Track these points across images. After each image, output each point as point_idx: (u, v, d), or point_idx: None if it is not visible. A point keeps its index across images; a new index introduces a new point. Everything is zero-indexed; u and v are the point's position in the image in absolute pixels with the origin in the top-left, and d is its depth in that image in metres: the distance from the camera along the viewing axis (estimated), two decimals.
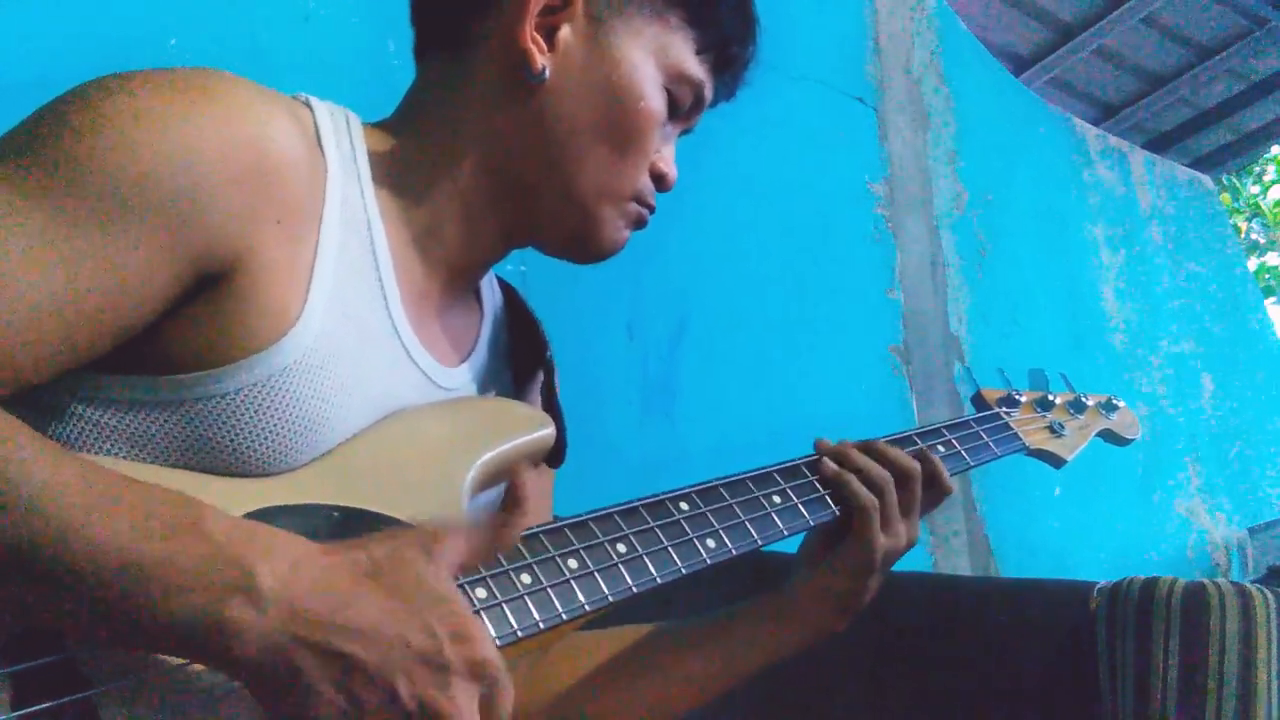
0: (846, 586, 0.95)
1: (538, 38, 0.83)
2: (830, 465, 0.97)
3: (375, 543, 0.63)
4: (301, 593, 0.58)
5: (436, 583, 0.62)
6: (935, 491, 1.00)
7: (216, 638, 0.56)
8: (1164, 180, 4.15)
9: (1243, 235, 8.94)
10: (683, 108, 0.90)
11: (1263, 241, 9.39)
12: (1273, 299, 8.88)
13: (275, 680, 0.57)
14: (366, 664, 0.57)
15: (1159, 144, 5.16)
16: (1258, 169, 9.04)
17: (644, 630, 0.98)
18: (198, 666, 0.61)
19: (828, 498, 0.96)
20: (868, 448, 0.99)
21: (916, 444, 1.05)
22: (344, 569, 0.60)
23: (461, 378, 0.89)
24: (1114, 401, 1.37)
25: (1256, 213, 9.23)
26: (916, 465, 0.97)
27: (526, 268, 1.03)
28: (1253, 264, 8.73)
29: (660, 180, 0.91)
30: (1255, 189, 9.31)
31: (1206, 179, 4.56)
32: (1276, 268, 9.36)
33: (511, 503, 0.68)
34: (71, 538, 0.55)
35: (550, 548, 0.76)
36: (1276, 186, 9.30)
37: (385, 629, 0.59)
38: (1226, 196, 8.25)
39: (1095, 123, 4.45)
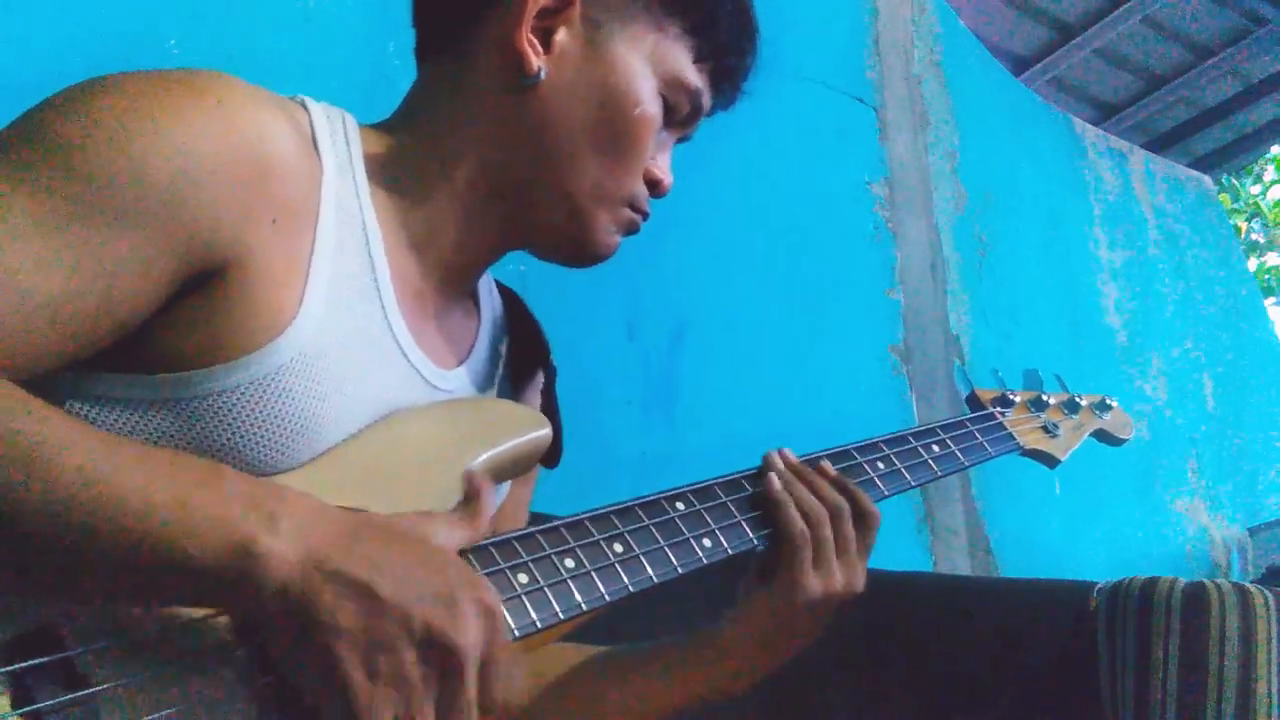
0: (772, 627, 0.89)
1: (534, 40, 0.84)
2: (774, 482, 0.91)
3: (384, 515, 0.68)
4: (322, 530, 0.62)
5: (441, 539, 0.68)
6: (864, 525, 0.91)
7: (245, 568, 0.59)
8: (1164, 180, 4.15)
9: (1243, 235, 8.95)
10: (679, 115, 0.90)
11: (1262, 241, 9.39)
12: (1273, 299, 8.88)
13: (296, 611, 0.60)
14: (381, 592, 0.61)
15: (1159, 144, 5.17)
16: (1258, 169, 9.04)
17: (583, 652, 0.96)
18: (195, 656, 0.62)
19: (745, 524, 0.90)
20: (807, 477, 0.92)
21: (855, 459, 0.99)
22: (359, 519, 0.66)
23: (458, 380, 0.89)
24: (1108, 401, 1.37)
25: (1256, 213, 9.23)
26: (844, 502, 0.90)
27: (526, 268, 1.03)
28: (1252, 264, 8.73)
29: (655, 186, 0.91)
30: (1255, 189, 9.32)
31: (1206, 179, 4.56)
32: (1276, 268, 9.36)
33: (470, 506, 0.72)
34: (99, 487, 0.58)
35: (547, 547, 0.76)
36: (1276, 186, 9.30)
37: (400, 564, 0.63)
38: (1226, 197, 8.25)
39: (1095, 123, 4.45)
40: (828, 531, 0.89)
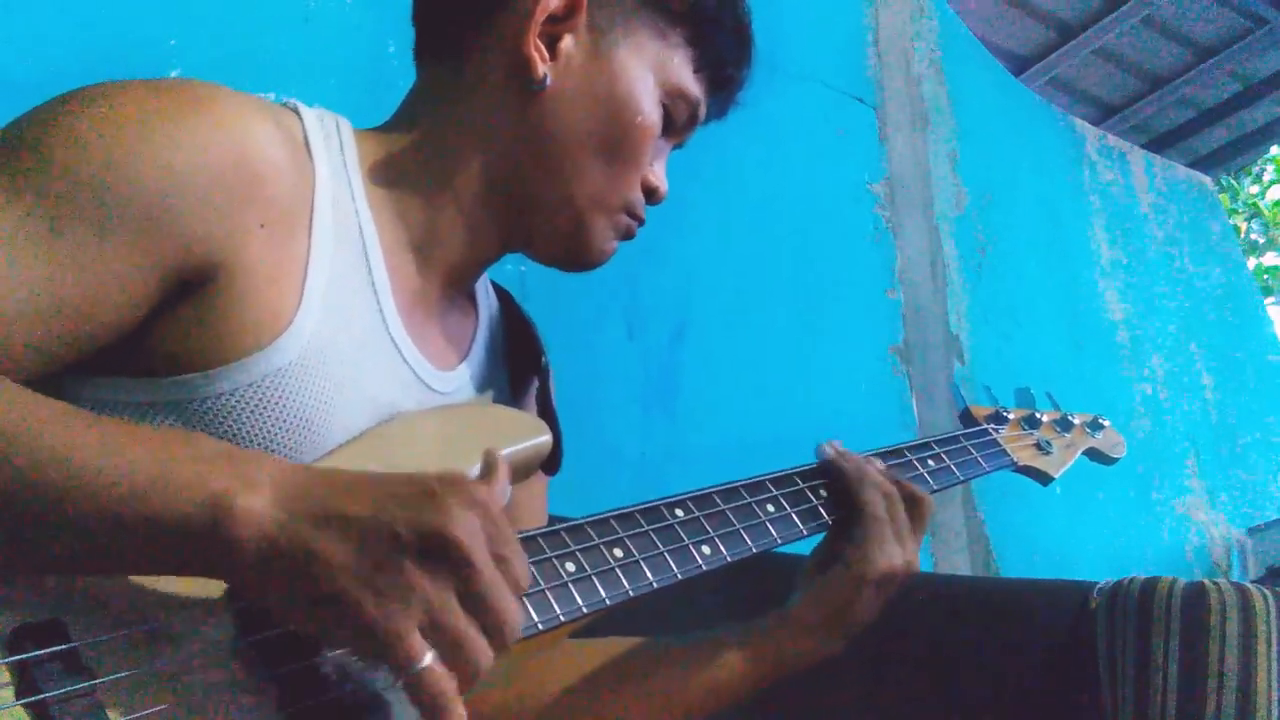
0: (840, 601, 0.92)
1: (540, 45, 0.84)
2: (846, 463, 0.97)
3: None
4: (298, 481, 0.60)
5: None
6: (918, 512, 0.98)
7: (222, 525, 0.57)
8: (1164, 180, 4.15)
9: (1242, 235, 8.95)
10: (677, 123, 0.91)
11: (1262, 241, 9.39)
12: (1272, 299, 8.88)
13: (282, 561, 0.58)
14: (360, 513, 0.58)
15: (1159, 144, 5.17)
16: (1257, 169, 9.04)
17: (634, 642, 0.97)
18: (198, 649, 0.62)
19: (820, 508, 0.95)
20: (865, 461, 0.99)
21: (905, 457, 1.05)
22: (337, 469, 0.64)
23: (456, 381, 0.89)
24: (1100, 421, 1.39)
25: (1256, 213, 9.23)
26: (896, 490, 0.96)
27: (525, 269, 1.03)
28: (1252, 264, 8.73)
29: (651, 194, 0.91)
30: (1254, 189, 9.32)
31: (1206, 179, 4.56)
32: (1276, 268, 9.36)
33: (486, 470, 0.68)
34: (70, 457, 0.57)
35: (547, 550, 0.76)
36: (1276, 186, 9.30)
37: (373, 487, 0.60)
38: (1225, 197, 8.25)
39: (1095, 123, 4.45)
40: (899, 509, 0.95)
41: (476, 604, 0.59)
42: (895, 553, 0.93)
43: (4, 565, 0.60)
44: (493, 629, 0.60)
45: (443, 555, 0.59)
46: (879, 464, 1.00)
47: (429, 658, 0.58)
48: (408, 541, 0.58)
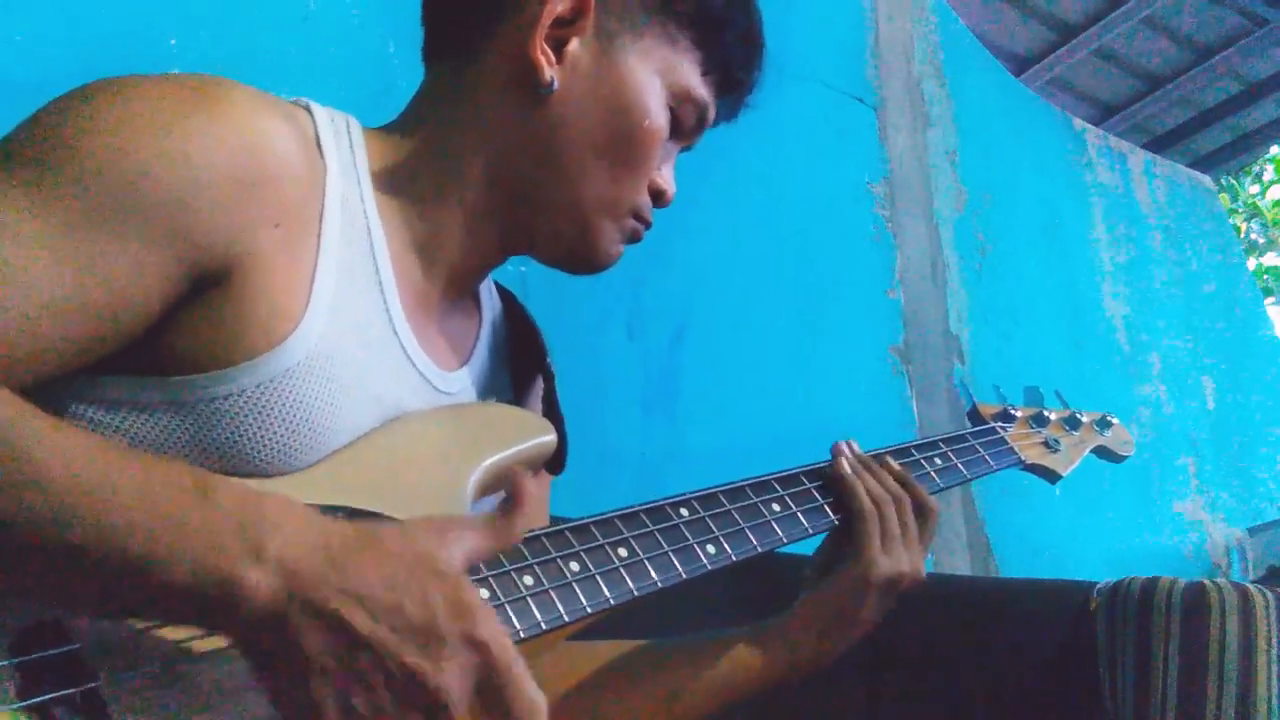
0: (842, 603, 0.94)
1: (547, 49, 0.84)
2: (844, 466, 0.98)
3: (385, 523, 0.65)
4: (304, 553, 0.58)
5: (440, 559, 0.61)
6: (924, 517, 1.00)
7: (226, 599, 0.56)
8: (1164, 180, 4.15)
9: (1242, 235, 8.95)
10: (685, 127, 0.91)
11: (1262, 241, 9.39)
12: (1272, 299, 8.88)
13: (270, 640, 0.57)
14: (356, 626, 0.57)
15: (1159, 144, 5.17)
16: (1257, 169, 9.04)
17: (641, 643, 0.98)
18: (202, 649, 0.62)
19: (826, 507, 0.96)
20: (873, 467, 1.00)
21: (913, 455, 1.06)
22: (350, 534, 0.61)
23: (460, 382, 0.89)
24: (1108, 419, 1.39)
25: (1256, 213, 9.23)
26: (905, 494, 0.98)
27: (527, 269, 1.03)
28: (1252, 264, 8.73)
29: (659, 197, 0.91)
30: (1254, 189, 9.31)
31: (1206, 179, 4.56)
32: (1276, 268, 9.36)
33: (512, 505, 0.67)
34: (79, 508, 0.56)
35: (552, 550, 0.76)
36: (1276, 186, 9.30)
37: (380, 594, 0.58)
38: (1225, 197, 8.25)
39: (1095, 123, 4.45)
40: (892, 513, 0.96)
41: None
42: (901, 557, 0.95)
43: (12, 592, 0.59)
44: None
45: (421, 702, 0.58)
46: (894, 465, 1.01)
47: None
48: (395, 674, 0.58)
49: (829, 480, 0.99)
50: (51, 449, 0.57)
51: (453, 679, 0.58)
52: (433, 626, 0.59)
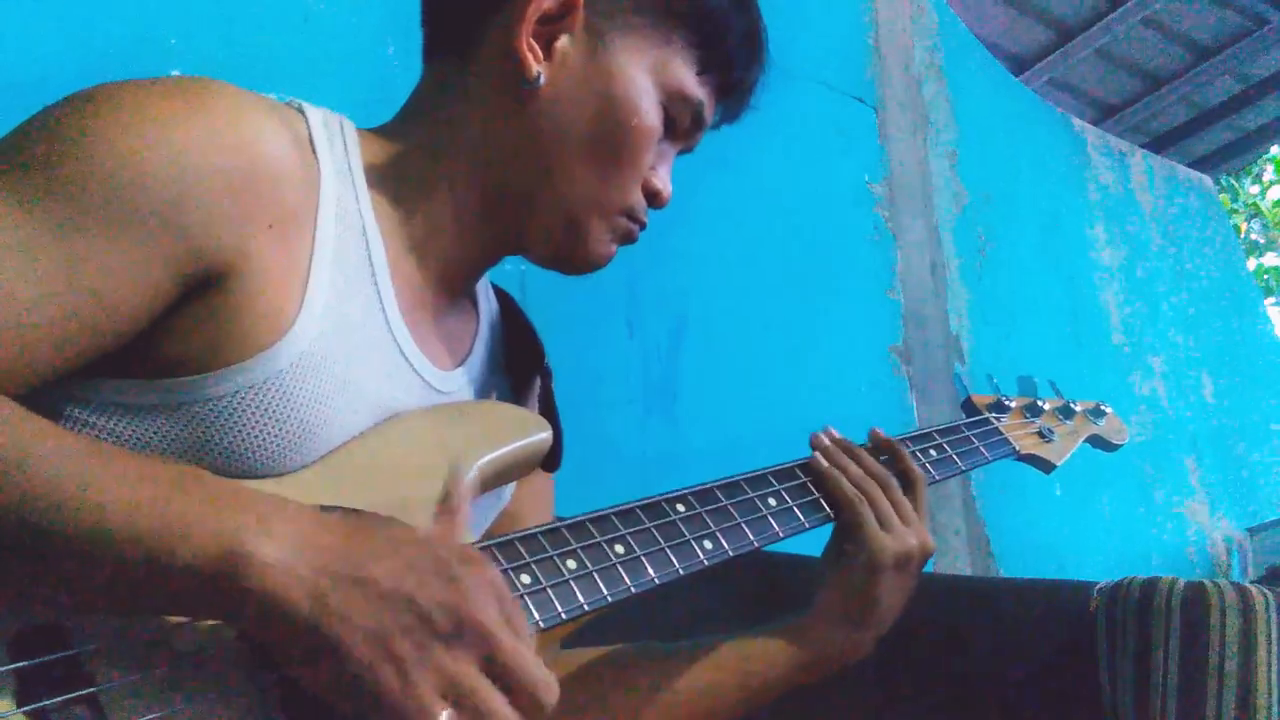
0: (857, 589, 0.94)
1: (534, 45, 0.83)
2: (820, 460, 0.98)
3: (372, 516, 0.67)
4: (312, 529, 0.61)
5: (433, 533, 0.66)
6: (911, 490, 0.99)
7: (238, 572, 0.57)
8: (1164, 180, 4.15)
9: (1242, 235, 8.95)
10: (681, 127, 0.89)
11: (1262, 241, 9.40)
12: (1272, 299, 8.88)
13: (299, 616, 0.58)
14: (383, 583, 0.60)
15: (1159, 144, 5.17)
16: (1257, 169, 9.05)
17: (661, 646, 0.97)
18: (203, 654, 0.62)
19: (822, 500, 0.96)
20: (853, 451, 1.00)
21: (908, 447, 1.05)
22: (347, 515, 0.64)
23: (457, 382, 0.89)
24: (1101, 408, 1.38)
25: (1256, 213, 9.23)
26: (890, 474, 0.98)
27: (525, 269, 1.03)
28: (1252, 264, 8.73)
29: (654, 198, 0.90)
30: (1255, 189, 9.32)
31: (1206, 179, 4.57)
32: (1276, 268, 9.36)
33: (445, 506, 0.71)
34: (79, 497, 0.57)
35: (548, 548, 0.76)
36: (1276, 186, 9.30)
37: (393, 554, 0.61)
38: (1225, 197, 8.25)
39: (1095, 123, 4.45)
40: (880, 493, 0.96)
41: (504, 677, 0.61)
42: (903, 534, 0.94)
43: (12, 593, 0.59)
44: (528, 698, 0.62)
45: (465, 634, 0.60)
46: (875, 438, 1.03)
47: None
48: (431, 616, 0.60)
49: (812, 475, 0.98)
50: (53, 447, 0.58)
51: (487, 609, 0.61)
52: (451, 570, 0.62)
